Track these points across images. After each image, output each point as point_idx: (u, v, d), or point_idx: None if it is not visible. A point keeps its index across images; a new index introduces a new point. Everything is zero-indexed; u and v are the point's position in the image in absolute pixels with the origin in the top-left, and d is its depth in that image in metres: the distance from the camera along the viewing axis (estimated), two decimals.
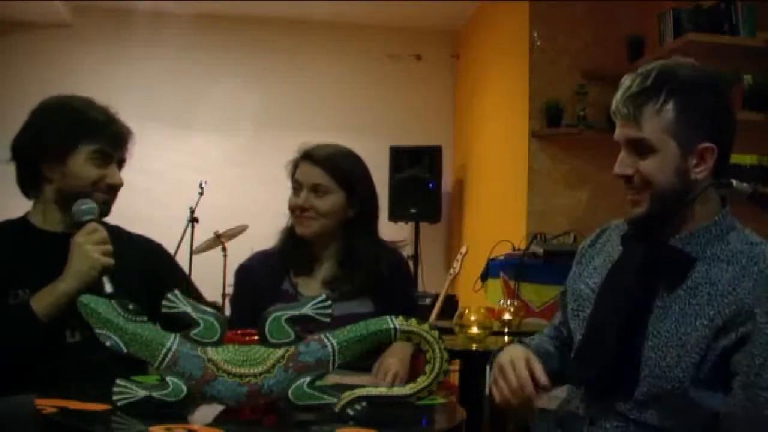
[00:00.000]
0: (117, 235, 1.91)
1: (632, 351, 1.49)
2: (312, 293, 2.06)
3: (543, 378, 1.55)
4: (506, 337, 3.20)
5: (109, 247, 1.78)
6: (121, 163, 1.94)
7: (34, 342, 1.73)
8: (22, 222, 1.92)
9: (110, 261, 1.76)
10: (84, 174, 1.85)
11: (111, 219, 2.01)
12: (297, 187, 2.15)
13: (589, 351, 1.53)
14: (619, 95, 1.50)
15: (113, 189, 1.90)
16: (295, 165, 2.18)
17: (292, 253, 2.16)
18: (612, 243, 1.68)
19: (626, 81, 1.51)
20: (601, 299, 1.59)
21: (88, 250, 1.74)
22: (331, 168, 2.14)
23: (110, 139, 1.88)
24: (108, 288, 1.73)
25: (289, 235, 2.18)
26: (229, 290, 4.29)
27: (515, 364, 1.56)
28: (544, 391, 1.58)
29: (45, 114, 1.89)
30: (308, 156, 2.16)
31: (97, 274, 1.74)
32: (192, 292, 2.02)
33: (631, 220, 1.54)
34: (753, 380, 1.26)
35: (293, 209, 2.15)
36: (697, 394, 1.44)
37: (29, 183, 1.90)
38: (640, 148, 1.48)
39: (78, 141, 1.84)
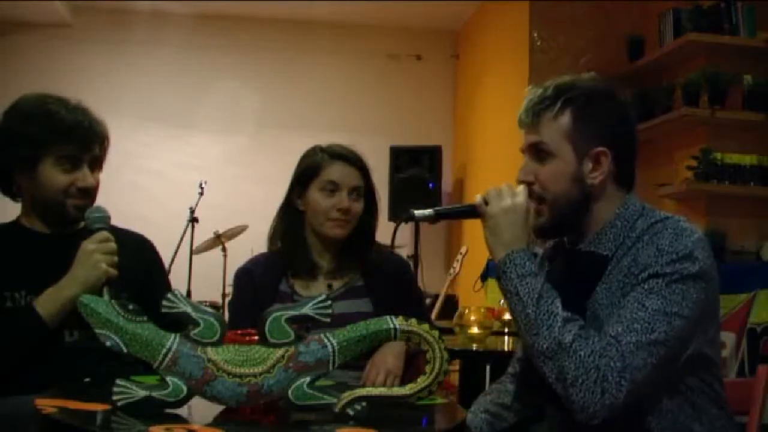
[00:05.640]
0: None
1: None
2: (310, 294, 2.06)
3: None
4: (506, 337, 3.20)
5: (116, 259, 1.77)
6: (94, 161, 1.87)
7: (39, 345, 1.73)
8: (13, 224, 1.91)
9: (115, 273, 1.76)
10: (53, 182, 1.81)
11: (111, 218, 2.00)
12: (333, 188, 2.08)
13: (531, 373, 1.49)
14: (522, 107, 1.58)
15: (86, 192, 1.84)
16: (320, 165, 2.11)
17: (295, 254, 2.14)
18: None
19: (529, 94, 1.58)
20: None
21: (98, 260, 1.74)
22: (365, 171, 2.14)
23: (77, 142, 1.81)
24: (106, 297, 1.72)
25: (294, 236, 2.15)
26: (229, 290, 4.30)
27: None
28: None
29: (12, 121, 1.83)
30: (343, 157, 2.12)
31: (101, 284, 1.74)
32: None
33: (535, 229, 1.56)
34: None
35: (328, 210, 2.08)
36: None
37: (4, 188, 1.88)
38: (540, 154, 1.54)
39: (44, 149, 1.79)
